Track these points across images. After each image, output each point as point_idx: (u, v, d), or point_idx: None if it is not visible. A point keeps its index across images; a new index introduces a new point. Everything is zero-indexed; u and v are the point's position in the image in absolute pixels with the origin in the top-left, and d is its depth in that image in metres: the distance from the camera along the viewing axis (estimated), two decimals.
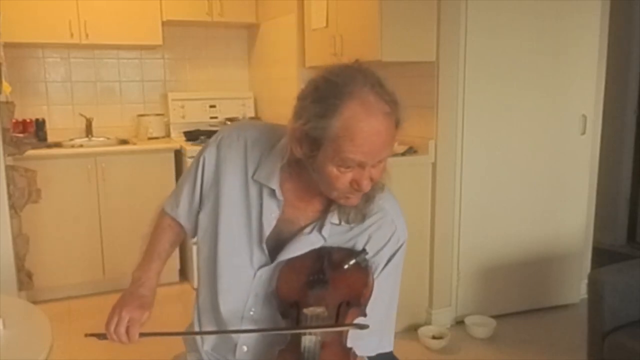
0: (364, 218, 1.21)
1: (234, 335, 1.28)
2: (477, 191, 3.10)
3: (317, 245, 1.22)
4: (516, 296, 3.27)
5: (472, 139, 3.03)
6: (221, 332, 1.30)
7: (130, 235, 3.65)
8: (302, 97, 1.09)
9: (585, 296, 2.50)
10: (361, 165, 1.08)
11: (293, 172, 1.19)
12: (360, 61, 1.12)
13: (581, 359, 2.39)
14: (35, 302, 2.19)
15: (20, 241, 2.94)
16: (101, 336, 1.23)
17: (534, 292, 3.31)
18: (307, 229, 1.22)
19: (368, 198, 1.19)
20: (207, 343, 1.34)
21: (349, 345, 1.16)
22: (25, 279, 3.01)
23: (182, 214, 1.35)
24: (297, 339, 1.12)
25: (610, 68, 3.41)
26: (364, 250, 1.21)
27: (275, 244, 1.23)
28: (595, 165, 3.44)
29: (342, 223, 1.21)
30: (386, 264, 1.24)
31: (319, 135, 1.05)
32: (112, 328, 1.21)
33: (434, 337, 2.92)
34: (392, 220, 1.24)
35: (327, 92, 1.05)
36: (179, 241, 1.42)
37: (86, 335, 1.23)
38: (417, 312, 3.10)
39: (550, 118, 3.18)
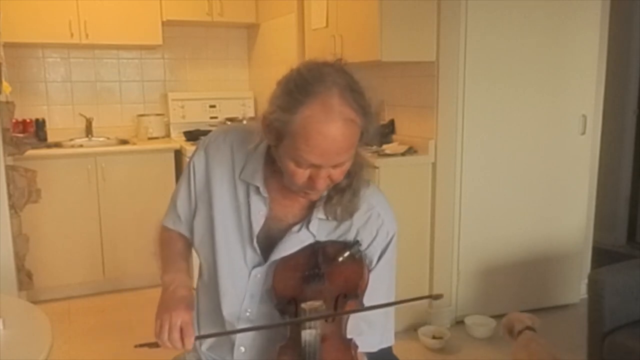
0: (352, 215, 1.21)
1: (231, 335, 1.28)
2: (477, 191, 3.10)
3: (308, 243, 1.22)
4: (516, 296, 3.26)
5: (472, 139, 3.03)
6: (259, 327, 1.25)
7: (130, 235, 3.65)
8: (278, 84, 1.11)
9: (585, 296, 2.50)
10: (316, 166, 1.08)
11: (276, 169, 1.19)
12: (342, 60, 1.11)
13: (581, 359, 2.39)
14: (35, 302, 2.18)
15: (20, 241, 2.94)
16: (153, 345, 1.17)
17: (534, 292, 3.31)
18: (296, 228, 1.22)
19: (354, 193, 1.19)
20: (205, 344, 1.34)
21: (348, 337, 1.16)
22: (25, 279, 3.01)
23: (184, 224, 1.34)
24: (297, 334, 1.13)
25: (610, 68, 3.40)
26: (357, 241, 1.21)
27: (267, 243, 1.24)
28: (595, 165, 3.43)
29: (329, 218, 1.21)
30: (379, 259, 1.24)
31: (280, 127, 1.07)
32: (165, 336, 1.15)
33: (433, 337, 2.92)
34: (379, 214, 1.24)
35: (296, 86, 1.06)
36: (191, 247, 1.38)
37: (136, 346, 1.18)
38: (417, 312, 3.09)
39: (550, 118, 3.18)
